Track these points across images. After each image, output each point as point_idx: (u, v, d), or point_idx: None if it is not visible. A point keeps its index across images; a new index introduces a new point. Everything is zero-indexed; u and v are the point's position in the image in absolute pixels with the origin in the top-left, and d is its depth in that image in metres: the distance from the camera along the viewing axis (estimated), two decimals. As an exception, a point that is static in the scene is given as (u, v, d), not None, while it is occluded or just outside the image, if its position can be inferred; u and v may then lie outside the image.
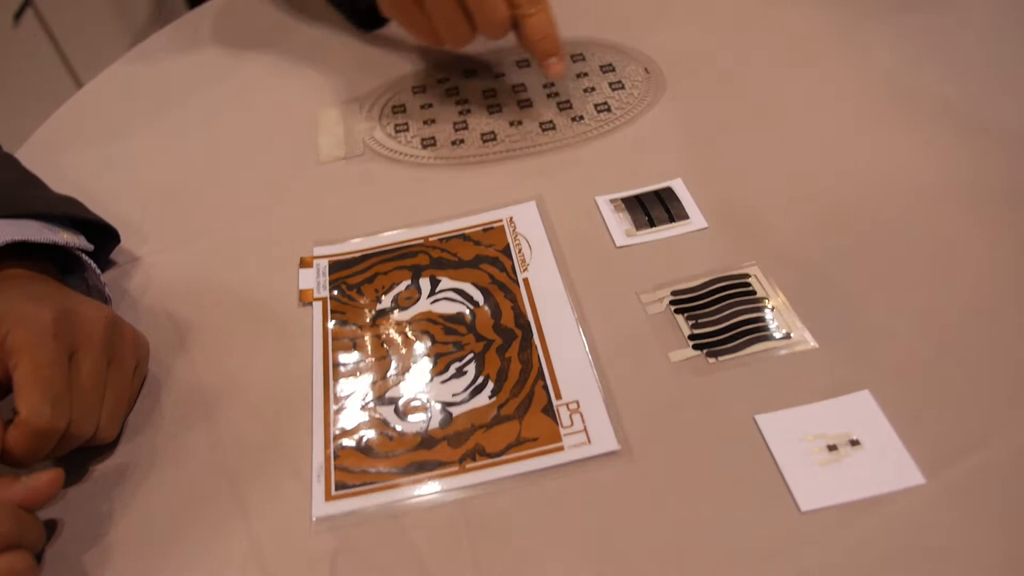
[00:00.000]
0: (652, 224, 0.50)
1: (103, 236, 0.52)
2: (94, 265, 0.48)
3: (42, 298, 0.41)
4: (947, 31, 0.62)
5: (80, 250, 0.48)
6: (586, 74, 0.64)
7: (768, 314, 0.44)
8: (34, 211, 0.47)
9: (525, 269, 0.49)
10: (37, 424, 0.37)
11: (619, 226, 0.51)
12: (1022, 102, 0.54)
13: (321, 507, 0.39)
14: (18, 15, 1.68)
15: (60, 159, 0.64)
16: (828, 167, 0.52)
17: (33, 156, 0.65)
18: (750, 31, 0.65)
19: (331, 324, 0.48)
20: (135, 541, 0.39)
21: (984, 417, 0.38)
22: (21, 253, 0.46)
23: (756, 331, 0.44)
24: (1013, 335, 0.41)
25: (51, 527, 0.40)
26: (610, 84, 0.63)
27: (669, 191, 0.52)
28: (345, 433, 0.42)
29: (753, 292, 0.46)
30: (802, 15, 0.66)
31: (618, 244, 0.50)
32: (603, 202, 0.52)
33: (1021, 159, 0.50)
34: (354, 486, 0.40)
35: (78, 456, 0.42)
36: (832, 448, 0.38)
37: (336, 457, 0.41)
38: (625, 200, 0.52)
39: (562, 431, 0.40)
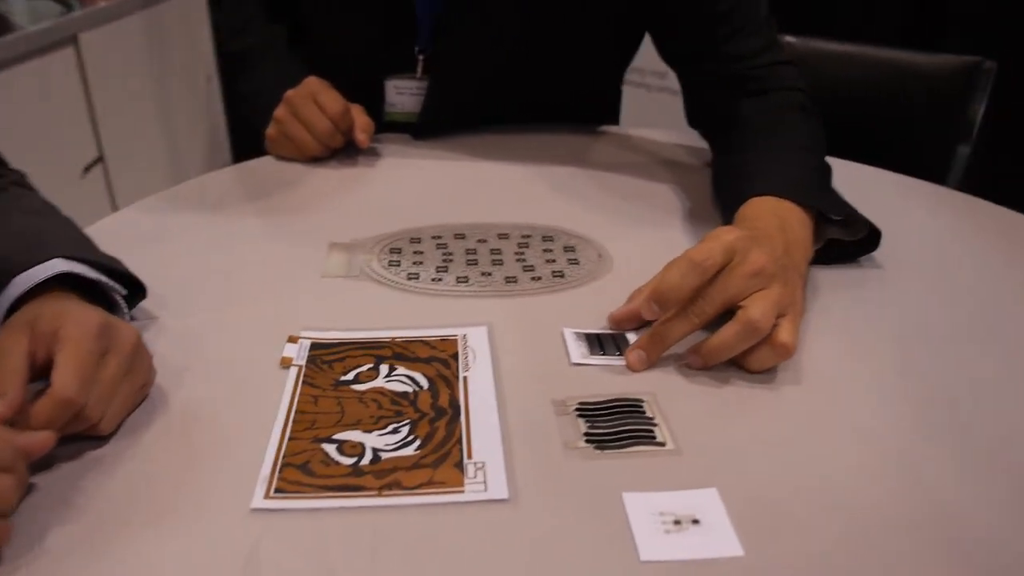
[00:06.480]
0: (603, 351, 0.62)
1: (132, 292, 0.64)
2: (124, 306, 0.60)
3: (92, 310, 0.52)
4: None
5: (116, 293, 0.60)
6: (551, 250, 0.79)
7: (652, 428, 0.55)
8: (87, 258, 0.59)
9: (467, 370, 0.60)
10: (64, 394, 0.47)
11: (577, 349, 0.63)
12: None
13: (259, 501, 0.48)
14: (88, 168, 1.92)
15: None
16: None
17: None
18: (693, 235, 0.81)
19: (301, 383, 0.58)
20: (102, 509, 0.48)
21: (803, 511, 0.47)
22: (72, 285, 0.58)
23: (639, 437, 0.54)
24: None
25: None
26: (568, 260, 0.77)
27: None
28: (292, 456, 0.51)
29: (645, 412, 0.56)
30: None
31: (573, 361, 0.61)
32: (566, 332, 0.65)
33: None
34: (289, 492, 0.48)
35: (77, 440, 0.51)
36: (677, 523, 0.47)
37: (280, 470, 0.50)
38: (580, 335, 0.65)
39: (466, 480, 0.50)
